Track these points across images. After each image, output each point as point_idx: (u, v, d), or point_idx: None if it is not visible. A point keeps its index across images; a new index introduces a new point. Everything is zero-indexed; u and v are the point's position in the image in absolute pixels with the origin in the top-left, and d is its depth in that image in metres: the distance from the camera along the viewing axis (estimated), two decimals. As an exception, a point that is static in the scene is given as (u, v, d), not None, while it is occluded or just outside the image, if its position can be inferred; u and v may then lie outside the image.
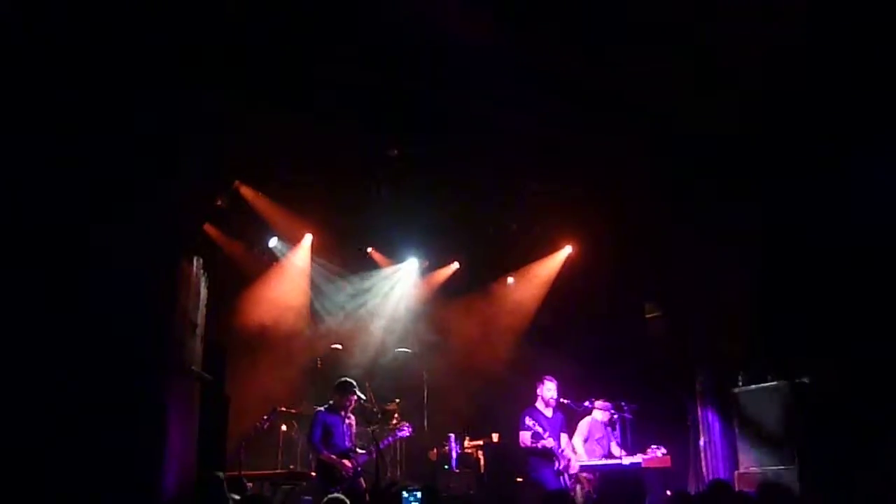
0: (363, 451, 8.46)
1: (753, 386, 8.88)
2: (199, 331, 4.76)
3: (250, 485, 7.91)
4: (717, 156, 9.06)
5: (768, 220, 9.11)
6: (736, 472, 8.86)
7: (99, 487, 3.74)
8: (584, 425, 9.29)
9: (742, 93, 8.15)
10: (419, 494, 6.41)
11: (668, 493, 8.78)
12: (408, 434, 9.12)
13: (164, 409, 4.12)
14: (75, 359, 3.71)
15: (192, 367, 4.53)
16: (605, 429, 9.30)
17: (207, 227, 10.00)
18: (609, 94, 8.22)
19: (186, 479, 4.61)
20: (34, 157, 4.24)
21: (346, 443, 8.39)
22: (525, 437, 8.68)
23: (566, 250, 11.43)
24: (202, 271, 4.82)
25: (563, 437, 8.95)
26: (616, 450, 8.98)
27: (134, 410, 3.87)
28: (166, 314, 4.24)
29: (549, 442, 8.60)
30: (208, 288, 4.99)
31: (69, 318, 3.72)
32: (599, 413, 9.29)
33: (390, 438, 9.03)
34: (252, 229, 10.40)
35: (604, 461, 8.86)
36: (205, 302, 4.93)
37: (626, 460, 8.54)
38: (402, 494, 6.41)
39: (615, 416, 9.20)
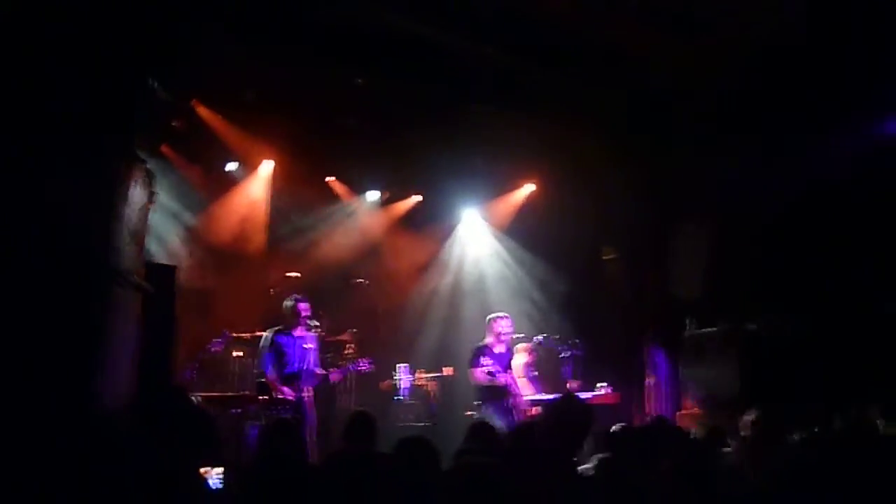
0: (323, 372, 8.37)
1: (702, 330, 9.03)
2: (139, 242, 4.68)
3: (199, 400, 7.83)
4: (678, 101, 9.07)
5: (727, 168, 9.13)
6: (678, 413, 9.07)
7: (28, 392, 3.69)
8: (517, 366, 9.40)
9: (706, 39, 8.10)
10: None
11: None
12: (366, 369, 8.87)
13: (100, 313, 4.04)
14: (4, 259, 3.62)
15: (132, 277, 4.46)
16: (528, 370, 9.44)
17: (164, 149, 9.85)
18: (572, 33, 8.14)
19: (124, 392, 4.58)
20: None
21: (297, 365, 8.22)
22: (480, 375, 8.64)
23: (529, 188, 11.40)
24: (147, 180, 4.71)
25: (510, 372, 9.02)
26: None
27: (67, 312, 3.79)
28: (103, 219, 4.15)
29: (505, 378, 8.62)
30: (152, 201, 4.89)
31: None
32: (522, 355, 9.39)
33: (345, 370, 8.90)
34: (210, 152, 10.19)
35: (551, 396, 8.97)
36: (147, 214, 4.83)
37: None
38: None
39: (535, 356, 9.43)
